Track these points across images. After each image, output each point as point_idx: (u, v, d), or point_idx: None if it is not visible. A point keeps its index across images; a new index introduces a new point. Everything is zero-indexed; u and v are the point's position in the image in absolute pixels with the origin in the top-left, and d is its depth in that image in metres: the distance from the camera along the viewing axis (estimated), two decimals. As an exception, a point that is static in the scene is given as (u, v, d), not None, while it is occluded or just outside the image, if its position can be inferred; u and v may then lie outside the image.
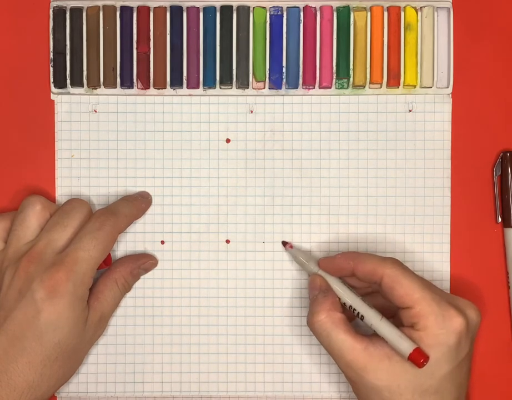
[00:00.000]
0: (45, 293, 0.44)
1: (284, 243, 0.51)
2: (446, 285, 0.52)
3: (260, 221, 0.52)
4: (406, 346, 0.43)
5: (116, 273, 0.49)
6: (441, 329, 0.44)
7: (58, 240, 0.46)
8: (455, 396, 0.45)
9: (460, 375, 0.45)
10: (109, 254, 0.49)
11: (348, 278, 0.48)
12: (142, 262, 0.51)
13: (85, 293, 0.46)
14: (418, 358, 0.43)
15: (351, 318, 0.47)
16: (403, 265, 0.46)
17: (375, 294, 0.48)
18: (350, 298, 0.47)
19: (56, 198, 0.52)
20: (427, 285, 0.45)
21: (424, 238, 0.52)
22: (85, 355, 0.49)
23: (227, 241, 0.52)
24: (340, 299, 0.47)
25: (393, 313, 0.47)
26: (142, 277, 0.52)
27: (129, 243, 0.52)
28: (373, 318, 0.45)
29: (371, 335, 0.46)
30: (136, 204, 0.50)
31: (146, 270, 0.51)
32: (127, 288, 0.50)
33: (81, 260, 0.45)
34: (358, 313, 0.46)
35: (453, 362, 0.44)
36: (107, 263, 0.49)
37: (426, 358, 0.43)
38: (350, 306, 0.47)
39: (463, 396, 0.46)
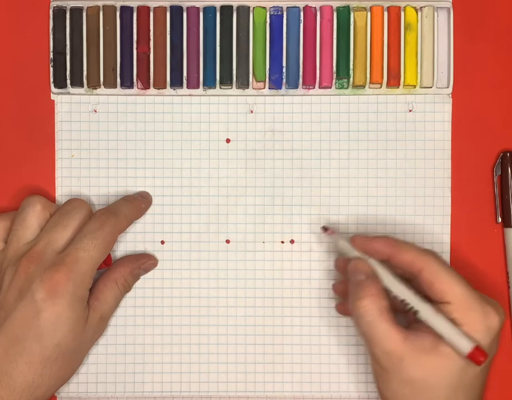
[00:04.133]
0: (45, 293, 0.44)
1: (325, 229, 0.50)
2: (446, 285, 0.52)
3: (260, 221, 0.52)
4: (466, 344, 0.43)
5: (116, 273, 0.49)
6: (480, 325, 0.44)
7: (58, 240, 0.46)
8: (479, 393, 0.46)
9: (486, 374, 0.46)
10: (109, 255, 0.49)
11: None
12: (142, 262, 0.51)
13: (85, 293, 0.46)
14: (478, 356, 0.43)
15: (395, 308, 0.46)
16: (442, 259, 0.46)
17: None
18: (401, 290, 0.45)
19: (56, 198, 0.52)
20: (465, 281, 0.45)
21: (424, 237, 0.52)
22: (85, 355, 0.49)
23: (227, 241, 0.52)
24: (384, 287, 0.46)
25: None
26: (142, 277, 0.52)
27: (129, 243, 0.52)
28: (428, 313, 0.44)
29: (410, 328, 0.45)
30: (136, 204, 0.50)
31: (146, 270, 0.51)
32: (127, 288, 0.50)
33: (81, 260, 0.45)
34: (410, 306, 0.45)
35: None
36: (107, 263, 0.49)
37: (486, 356, 0.43)
38: (399, 297, 0.45)
39: (483, 394, 0.47)
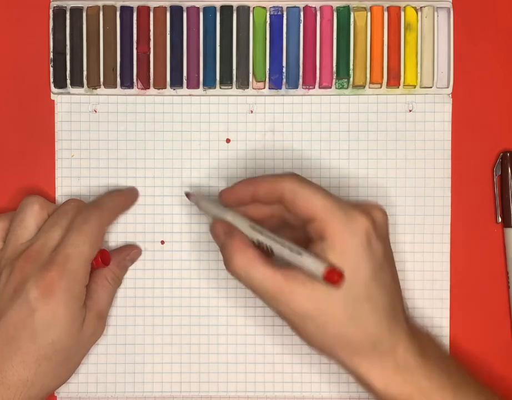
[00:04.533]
0: (39, 293, 0.44)
1: (187, 195, 0.49)
2: (446, 285, 0.52)
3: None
4: (317, 266, 0.41)
5: (105, 270, 0.49)
6: (345, 231, 0.42)
7: (54, 240, 0.46)
8: (388, 303, 0.43)
9: (386, 280, 0.43)
10: (108, 254, 0.49)
11: (257, 216, 0.46)
12: (127, 253, 0.51)
13: (81, 291, 0.46)
14: (332, 277, 0.41)
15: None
16: (302, 177, 0.44)
17: (284, 229, 0.46)
18: (253, 233, 0.44)
19: (56, 198, 0.52)
20: (328, 193, 0.43)
21: (424, 238, 0.52)
22: (84, 355, 0.49)
23: (227, 241, 0.52)
24: (248, 237, 0.45)
25: (306, 241, 0.44)
26: (142, 277, 0.52)
27: (129, 243, 0.52)
28: (278, 247, 0.43)
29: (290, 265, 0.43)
30: (121, 196, 0.51)
31: (133, 260, 0.51)
32: (117, 281, 0.50)
33: (71, 257, 0.45)
34: (266, 245, 0.44)
35: (371, 263, 0.42)
36: (106, 263, 0.48)
37: (341, 275, 0.41)
38: (258, 241, 0.44)
39: (398, 305, 0.45)
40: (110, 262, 0.49)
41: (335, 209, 0.43)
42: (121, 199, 0.51)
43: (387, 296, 0.43)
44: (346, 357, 0.44)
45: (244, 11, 0.51)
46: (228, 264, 0.44)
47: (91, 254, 0.46)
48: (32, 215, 0.48)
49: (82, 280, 0.46)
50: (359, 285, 0.42)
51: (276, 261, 0.43)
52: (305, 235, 0.44)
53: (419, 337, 0.45)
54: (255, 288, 0.44)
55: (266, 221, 0.46)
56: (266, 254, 0.44)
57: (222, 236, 0.45)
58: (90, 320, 0.47)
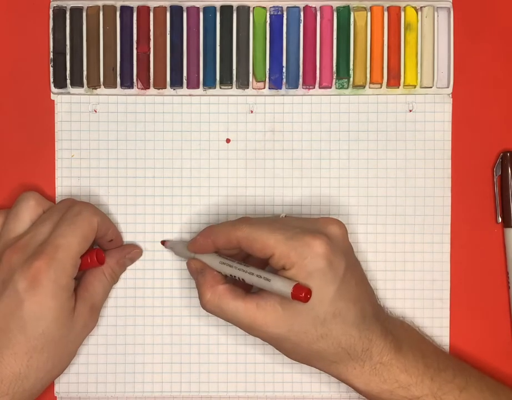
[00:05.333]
0: (26, 283, 0.44)
1: (163, 242, 0.52)
2: (446, 285, 0.52)
3: (260, 221, 0.52)
4: (286, 287, 0.43)
5: (104, 264, 0.49)
6: (305, 258, 0.44)
7: (44, 234, 0.46)
8: (355, 312, 0.45)
9: (350, 290, 0.45)
10: (102, 252, 0.49)
11: (226, 253, 0.48)
12: (128, 251, 0.51)
13: (68, 283, 0.46)
14: (300, 293, 0.43)
15: (247, 288, 0.47)
16: (253, 220, 0.47)
17: (253, 257, 0.48)
18: (224, 267, 0.47)
19: (56, 198, 0.52)
20: (280, 227, 0.45)
21: (424, 238, 0.52)
22: (78, 347, 0.49)
23: (227, 241, 0.52)
24: (220, 273, 0.47)
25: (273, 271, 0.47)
26: (142, 277, 0.52)
27: (129, 243, 0.52)
28: (248, 275, 0.45)
29: (260, 291, 0.46)
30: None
31: (133, 260, 0.52)
32: (114, 278, 0.50)
33: (60, 247, 0.45)
34: (238, 277, 0.46)
35: (335, 282, 0.44)
36: (100, 262, 0.48)
37: (308, 291, 0.43)
38: (230, 275, 0.46)
39: (368, 307, 0.46)
40: (104, 261, 0.49)
41: (289, 241, 0.44)
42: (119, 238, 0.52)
43: (354, 306, 0.45)
44: (324, 367, 0.47)
45: (244, 11, 0.51)
46: (201, 302, 0.47)
47: (81, 246, 0.46)
48: (27, 210, 0.48)
49: (70, 272, 0.45)
50: (324, 305, 0.44)
51: (252, 293, 0.46)
52: (270, 266, 0.46)
53: (393, 332, 0.47)
54: (230, 320, 0.46)
55: (236, 256, 0.48)
56: (244, 286, 0.47)
57: (195, 274, 0.48)
58: (82, 311, 0.47)
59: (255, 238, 0.45)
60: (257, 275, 0.45)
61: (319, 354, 0.46)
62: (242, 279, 0.46)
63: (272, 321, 0.45)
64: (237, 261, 0.47)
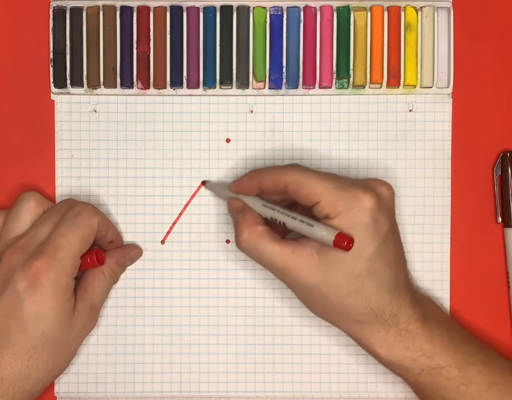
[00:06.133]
0: (26, 283, 0.44)
1: (203, 183, 0.52)
2: (446, 285, 0.52)
3: (260, 221, 0.52)
4: (328, 234, 0.43)
5: (104, 264, 0.49)
6: (352, 209, 0.43)
7: (44, 234, 0.46)
8: (390, 275, 0.45)
9: (389, 253, 0.45)
10: (102, 253, 0.49)
11: (269, 196, 0.48)
12: (127, 252, 0.51)
13: (68, 283, 0.46)
14: (342, 241, 0.42)
15: (282, 233, 0.47)
16: (303, 167, 0.46)
17: (295, 208, 0.47)
18: (265, 210, 0.47)
19: (56, 198, 0.52)
20: (329, 176, 0.45)
21: (424, 238, 0.52)
22: (78, 347, 0.49)
23: (227, 241, 0.52)
24: (261, 215, 0.47)
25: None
26: (142, 277, 0.52)
27: (129, 243, 0.52)
28: (290, 219, 0.45)
29: (298, 238, 0.46)
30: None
31: (132, 260, 0.52)
32: (114, 278, 0.50)
33: (61, 247, 0.45)
34: (279, 221, 0.46)
35: (376, 240, 0.44)
36: (100, 262, 0.48)
37: (350, 240, 0.42)
38: (271, 218, 0.46)
39: (401, 274, 0.46)
40: (104, 262, 0.49)
41: (338, 190, 0.44)
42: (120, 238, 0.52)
43: (390, 269, 0.45)
44: (347, 326, 0.46)
45: (244, 11, 0.51)
46: (237, 240, 0.47)
47: (81, 246, 0.46)
48: (27, 210, 0.48)
49: (70, 272, 0.45)
50: (362, 261, 0.44)
51: (289, 239, 0.46)
52: (313, 215, 0.45)
53: (421, 303, 0.47)
54: (263, 262, 0.46)
55: (277, 204, 0.47)
56: (281, 231, 0.46)
57: (236, 212, 0.48)
58: (82, 311, 0.47)
59: (304, 183, 0.45)
60: (300, 220, 0.44)
61: (346, 310, 0.45)
62: (283, 223, 0.45)
63: (306, 268, 0.44)
64: (280, 205, 0.47)
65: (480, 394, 0.45)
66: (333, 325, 0.48)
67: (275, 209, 0.46)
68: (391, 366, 0.47)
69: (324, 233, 0.43)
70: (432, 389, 0.46)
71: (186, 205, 0.52)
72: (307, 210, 0.46)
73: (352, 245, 0.43)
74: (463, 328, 0.49)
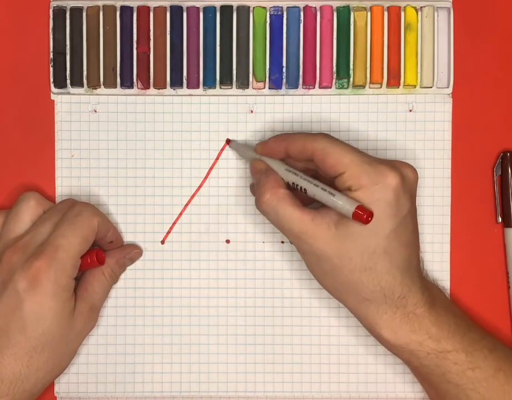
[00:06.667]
0: (26, 283, 0.44)
1: (228, 141, 0.52)
2: (446, 285, 0.52)
3: (260, 221, 0.52)
4: (349, 205, 0.43)
5: (104, 264, 0.49)
6: (375, 184, 0.43)
7: (44, 234, 0.46)
8: (405, 256, 0.45)
9: (406, 234, 0.45)
10: (102, 253, 0.49)
11: (292, 162, 0.48)
12: (127, 252, 0.51)
13: (68, 283, 0.46)
14: (362, 214, 0.42)
15: (303, 201, 0.47)
16: (333, 137, 0.46)
17: (316, 177, 0.48)
18: (288, 175, 0.47)
19: (56, 198, 0.52)
20: (357, 150, 0.45)
21: (424, 237, 0.52)
22: (78, 347, 0.49)
23: (227, 241, 0.52)
24: (283, 179, 0.47)
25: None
26: (142, 277, 0.52)
27: (129, 243, 0.52)
28: (312, 186, 0.45)
29: (319, 207, 0.45)
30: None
31: (132, 260, 0.52)
32: (114, 278, 0.50)
33: (60, 247, 0.45)
34: (301, 187, 0.46)
35: (395, 219, 0.44)
36: (100, 262, 0.48)
37: (370, 213, 0.42)
38: (293, 183, 0.46)
39: (414, 258, 0.46)
40: (104, 262, 0.49)
41: (364, 164, 0.44)
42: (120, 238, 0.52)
43: (405, 250, 0.45)
44: (354, 302, 0.46)
45: (244, 11, 0.51)
46: (258, 201, 0.46)
47: (81, 246, 0.46)
48: (27, 210, 0.48)
49: (70, 272, 0.46)
50: (379, 238, 0.44)
51: (309, 208, 0.46)
52: (335, 187, 0.45)
53: (430, 289, 0.47)
54: (280, 226, 0.46)
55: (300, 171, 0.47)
56: (301, 198, 0.46)
57: (258, 174, 0.47)
58: (82, 311, 0.47)
59: (332, 151, 0.44)
60: (322, 188, 0.44)
61: (355, 286, 0.45)
62: (305, 190, 0.46)
63: (323, 238, 0.44)
64: (303, 172, 0.47)
65: (486, 380, 0.45)
66: (339, 300, 0.47)
67: (298, 174, 0.46)
68: (395, 349, 0.46)
69: (344, 203, 0.43)
70: (438, 373, 0.46)
71: (187, 204, 0.52)
72: (329, 183, 0.45)
73: (371, 219, 0.42)
74: (468, 316, 0.49)
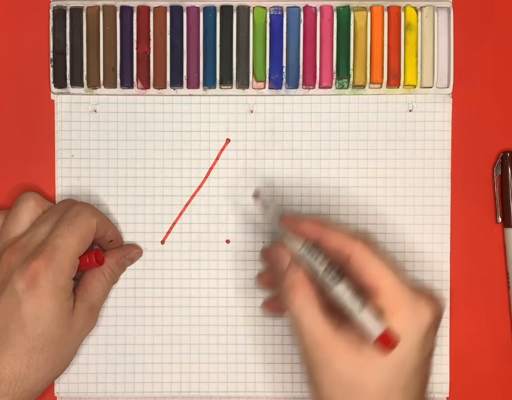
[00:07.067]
0: (25, 284, 0.44)
1: (256, 195, 0.48)
2: (446, 285, 0.52)
3: (260, 221, 0.52)
4: (376, 327, 0.40)
5: (103, 264, 0.49)
6: (413, 316, 0.41)
7: (42, 235, 0.46)
8: (419, 393, 0.43)
9: (425, 372, 0.43)
10: (101, 253, 0.49)
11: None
12: (127, 252, 0.51)
13: (67, 283, 0.46)
14: (386, 342, 0.40)
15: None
16: (373, 244, 0.43)
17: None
18: (313, 263, 0.43)
19: (56, 197, 0.52)
20: (397, 269, 0.42)
21: (424, 237, 0.52)
22: (77, 347, 0.49)
23: (227, 241, 0.52)
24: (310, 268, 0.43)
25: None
26: (142, 277, 0.52)
27: (129, 243, 0.52)
28: (344, 293, 0.41)
29: (343, 323, 0.42)
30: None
31: (132, 260, 0.52)
32: (114, 278, 0.50)
33: (59, 248, 0.45)
34: (328, 284, 0.42)
35: (421, 356, 0.41)
36: (100, 262, 0.48)
37: (395, 342, 0.40)
38: (316, 273, 0.43)
39: (424, 394, 0.44)
40: (104, 262, 0.49)
41: (404, 291, 0.41)
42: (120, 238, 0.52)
43: (421, 388, 0.43)
44: None
45: (244, 11, 0.51)
46: (284, 294, 0.43)
47: (80, 247, 0.46)
48: (26, 210, 0.48)
49: (68, 272, 0.45)
50: (402, 373, 0.41)
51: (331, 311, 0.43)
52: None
53: None
54: (302, 329, 0.42)
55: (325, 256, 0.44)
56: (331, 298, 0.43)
57: (285, 263, 0.44)
58: (82, 311, 0.47)
59: (372, 266, 0.42)
60: (352, 295, 0.41)
61: None
62: (329, 288, 0.42)
63: (342, 358, 0.41)
64: (327, 260, 0.42)
65: None
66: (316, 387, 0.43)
67: (324, 268, 0.42)
68: None
69: (371, 324, 0.40)
70: None
71: (187, 204, 0.52)
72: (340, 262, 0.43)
73: (393, 349, 0.40)
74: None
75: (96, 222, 0.47)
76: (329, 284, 0.42)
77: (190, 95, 0.52)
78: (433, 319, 0.42)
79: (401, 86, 0.52)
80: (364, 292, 0.42)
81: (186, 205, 0.52)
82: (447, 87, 0.52)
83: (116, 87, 0.52)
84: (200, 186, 0.52)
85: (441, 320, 0.43)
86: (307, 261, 0.43)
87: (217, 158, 0.52)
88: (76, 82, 0.52)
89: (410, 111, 0.52)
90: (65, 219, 0.46)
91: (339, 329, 0.42)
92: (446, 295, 0.52)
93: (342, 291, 0.42)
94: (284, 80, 0.52)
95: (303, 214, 0.49)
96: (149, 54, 0.52)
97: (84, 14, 0.51)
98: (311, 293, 0.43)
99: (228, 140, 0.52)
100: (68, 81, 0.52)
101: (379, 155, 0.52)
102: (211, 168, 0.52)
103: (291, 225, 0.45)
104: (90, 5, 0.51)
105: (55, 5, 0.51)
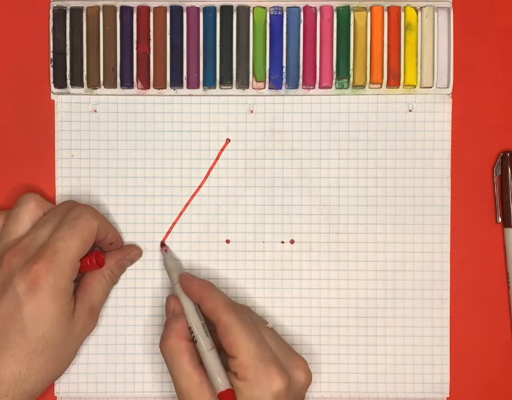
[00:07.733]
0: (26, 286, 0.44)
1: (162, 244, 0.52)
2: (446, 285, 0.52)
3: (260, 221, 0.52)
4: (221, 384, 0.44)
5: (103, 266, 0.49)
6: (258, 383, 0.44)
7: (44, 237, 0.46)
8: None
9: None
10: (102, 255, 0.49)
11: None
12: (127, 253, 0.51)
13: (67, 286, 0.46)
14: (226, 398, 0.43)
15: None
16: (244, 315, 0.46)
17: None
18: (192, 322, 0.47)
19: (56, 198, 0.52)
20: (260, 340, 0.45)
21: (424, 238, 0.52)
22: (78, 348, 0.49)
23: (227, 241, 0.52)
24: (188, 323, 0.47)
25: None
26: (142, 277, 0.52)
27: (129, 243, 0.52)
28: (204, 345, 0.46)
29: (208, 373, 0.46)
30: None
31: (132, 261, 0.52)
32: (114, 279, 0.50)
33: (59, 251, 0.45)
34: (194, 337, 0.46)
35: None
36: (100, 264, 0.48)
37: None
38: (190, 330, 0.47)
39: None
40: (104, 264, 0.49)
41: (257, 358, 0.44)
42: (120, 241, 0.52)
43: None
44: None
45: (244, 11, 0.51)
46: (162, 342, 0.47)
47: (80, 250, 0.46)
48: (27, 211, 0.48)
49: (69, 275, 0.45)
50: None
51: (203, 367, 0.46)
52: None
53: None
54: (172, 374, 0.46)
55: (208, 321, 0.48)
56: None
57: (170, 314, 0.48)
58: (82, 312, 0.47)
59: (234, 332, 0.45)
60: (209, 350, 0.45)
61: None
62: (195, 340, 0.46)
63: None
64: (207, 326, 0.47)
65: None
66: None
67: (199, 324, 0.46)
68: None
69: (219, 382, 0.44)
70: None
71: (187, 204, 0.52)
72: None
73: None
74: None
75: (97, 225, 0.47)
76: (197, 339, 0.46)
77: (190, 95, 0.52)
78: (282, 388, 0.44)
79: (401, 86, 0.52)
80: (225, 352, 0.45)
81: (186, 205, 0.52)
82: (447, 87, 0.52)
83: (116, 87, 0.52)
84: (200, 186, 0.52)
85: (303, 387, 0.46)
86: (189, 316, 0.47)
87: (217, 158, 0.52)
88: (76, 82, 0.52)
89: (410, 111, 0.52)
90: (66, 221, 0.46)
91: (203, 382, 0.45)
92: (446, 295, 0.52)
93: (202, 345, 0.46)
94: (284, 80, 0.52)
95: (199, 276, 0.51)
96: (149, 54, 0.52)
97: (84, 14, 0.51)
98: (185, 346, 0.46)
99: (228, 140, 0.52)
100: (68, 81, 0.52)
101: (378, 155, 0.52)
102: (211, 168, 0.52)
103: (185, 286, 0.48)
104: (90, 5, 0.51)
105: (55, 5, 0.51)
